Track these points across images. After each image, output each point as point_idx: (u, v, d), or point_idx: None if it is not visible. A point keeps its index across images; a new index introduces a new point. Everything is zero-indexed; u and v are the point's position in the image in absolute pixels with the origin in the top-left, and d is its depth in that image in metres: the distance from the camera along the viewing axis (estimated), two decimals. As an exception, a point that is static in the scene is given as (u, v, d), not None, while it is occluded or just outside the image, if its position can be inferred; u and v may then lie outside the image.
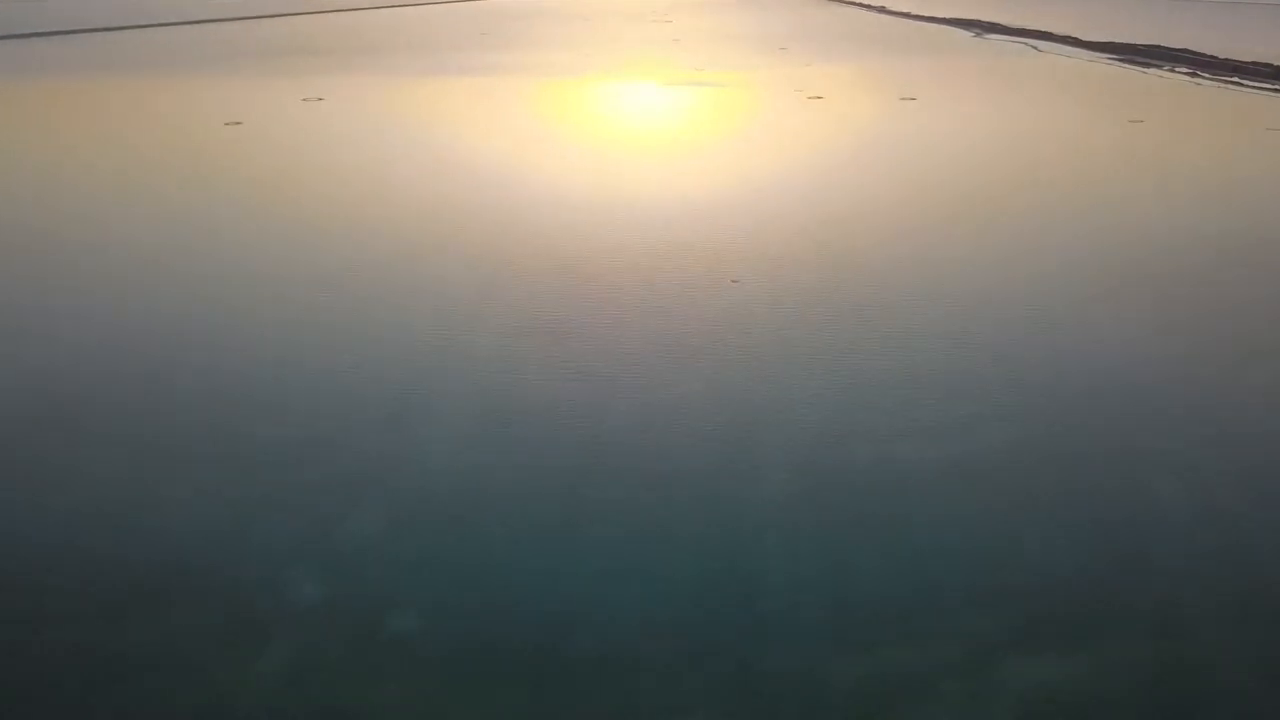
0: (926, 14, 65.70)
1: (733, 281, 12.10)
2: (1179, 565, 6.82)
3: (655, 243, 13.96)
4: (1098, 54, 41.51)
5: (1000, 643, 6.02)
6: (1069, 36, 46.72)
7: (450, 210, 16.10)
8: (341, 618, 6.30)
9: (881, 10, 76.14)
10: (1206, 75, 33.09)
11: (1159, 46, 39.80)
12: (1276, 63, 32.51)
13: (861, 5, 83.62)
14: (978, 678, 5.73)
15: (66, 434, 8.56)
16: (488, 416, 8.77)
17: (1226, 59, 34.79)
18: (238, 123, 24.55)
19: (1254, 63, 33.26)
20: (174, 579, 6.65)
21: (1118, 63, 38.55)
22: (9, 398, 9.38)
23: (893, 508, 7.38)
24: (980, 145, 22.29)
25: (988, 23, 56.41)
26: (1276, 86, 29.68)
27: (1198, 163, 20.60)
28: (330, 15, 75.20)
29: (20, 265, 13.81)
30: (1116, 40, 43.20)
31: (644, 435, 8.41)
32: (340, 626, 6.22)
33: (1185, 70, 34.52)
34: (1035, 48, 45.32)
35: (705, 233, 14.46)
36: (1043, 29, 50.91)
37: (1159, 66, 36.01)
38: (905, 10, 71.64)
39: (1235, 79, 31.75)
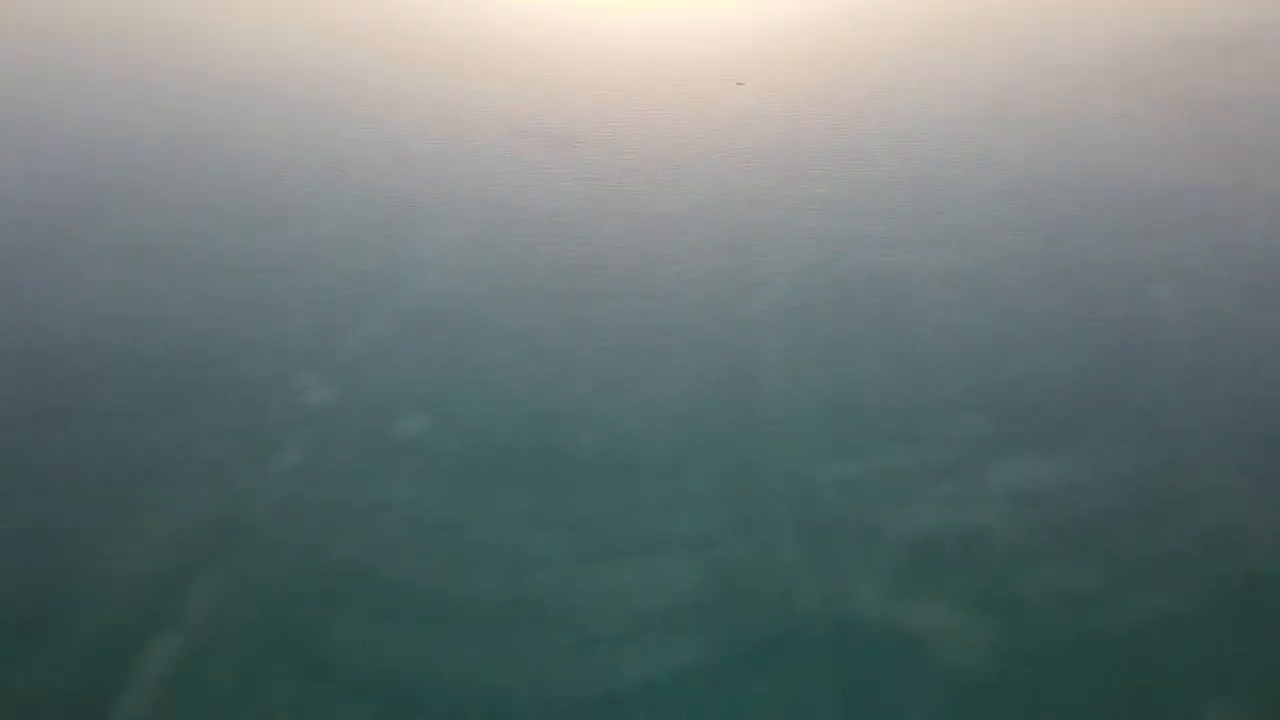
0: None
1: (738, 84, 11.80)
2: (1172, 369, 6.94)
3: (653, 50, 13.57)
4: None
5: (991, 443, 6.18)
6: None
7: (441, 22, 15.69)
8: (351, 419, 6.49)
9: None
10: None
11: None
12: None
13: None
14: (967, 476, 5.90)
15: (84, 241, 8.65)
16: (486, 226, 8.82)
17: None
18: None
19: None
20: (191, 380, 6.83)
21: None
22: (21, 205, 9.39)
23: (892, 314, 7.46)
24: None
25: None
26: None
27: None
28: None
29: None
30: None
31: (645, 243, 8.46)
32: (350, 428, 6.41)
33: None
34: None
35: (710, 36, 13.99)
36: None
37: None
38: None
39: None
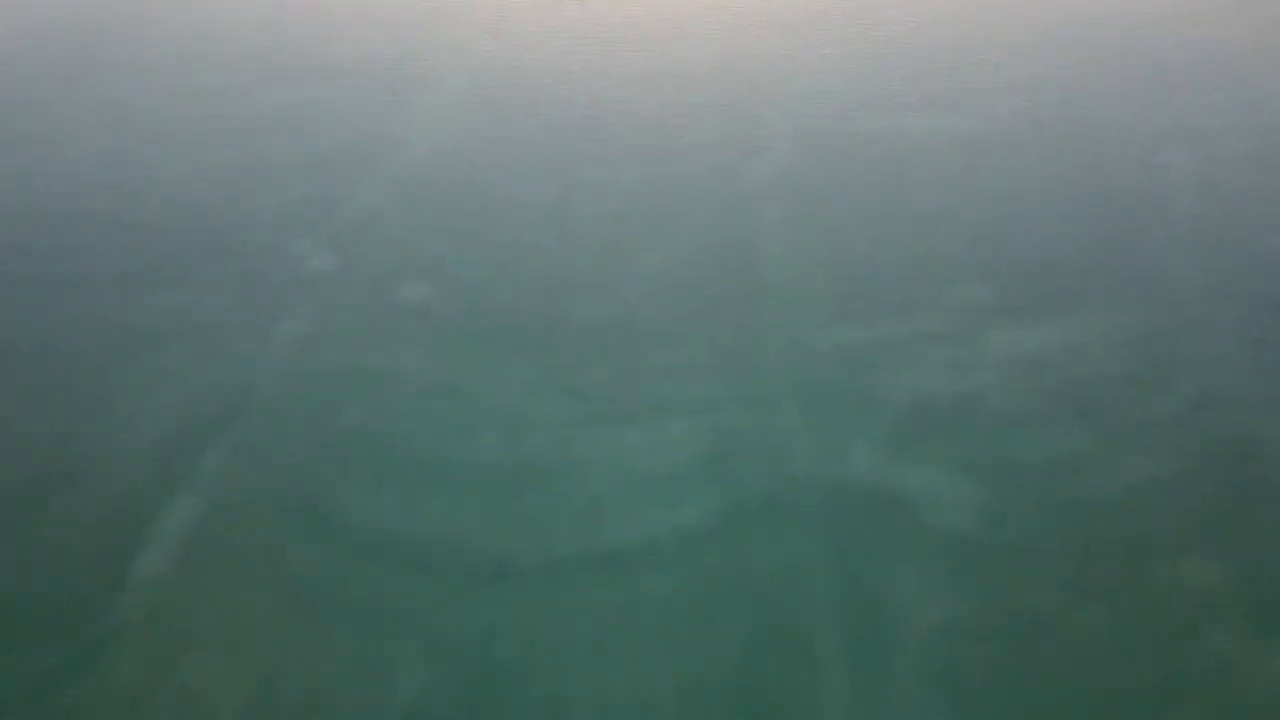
0: None
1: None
2: (1177, 237, 6.92)
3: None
4: None
5: (991, 311, 6.21)
6: None
7: None
8: (353, 287, 6.49)
9: None
10: None
11: None
12: None
13: None
14: (966, 343, 5.95)
15: (66, 111, 8.48)
16: (483, 89, 8.65)
17: None
18: None
19: None
20: (188, 248, 6.79)
21: None
22: (13, 66, 9.20)
23: (897, 180, 7.39)
24: None
25: None
26: None
27: None
28: None
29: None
30: None
31: (645, 105, 8.32)
32: (352, 295, 6.42)
33: None
34: None
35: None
36: None
37: None
38: None
39: None
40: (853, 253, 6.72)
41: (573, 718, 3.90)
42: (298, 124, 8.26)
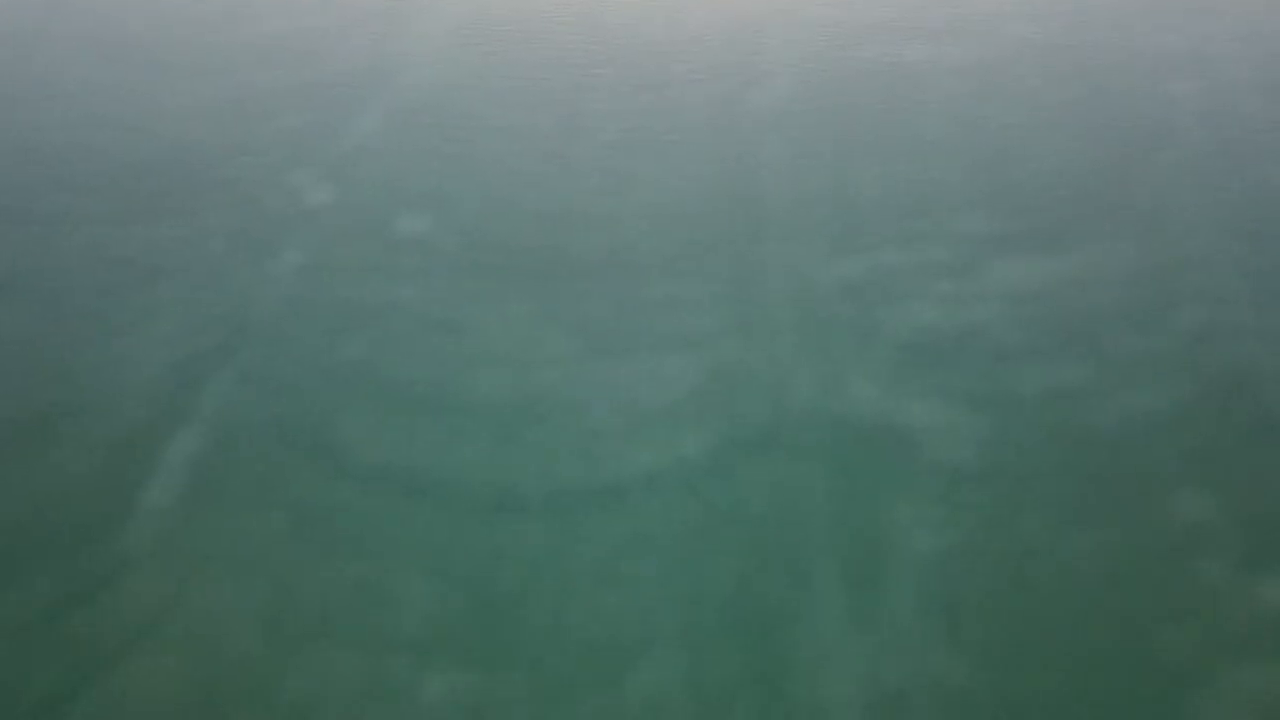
0: None
1: None
2: (1182, 169, 6.86)
3: None
4: None
5: (993, 242, 6.18)
6: None
7: None
8: (352, 219, 6.46)
9: None
10: None
11: None
12: None
13: None
14: (967, 275, 5.93)
15: (57, 43, 8.39)
16: (477, 15, 8.51)
17: None
18: None
19: None
20: (184, 181, 6.74)
21: None
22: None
23: (901, 110, 7.30)
24: None
25: None
26: None
27: None
28: None
29: None
30: None
31: (644, 33, 8.19)
32: (350, 228, 6.39)
33: None
34: None
35: None
36: None
37: None
38: None
39: None
40: (855, 184, 6.67)
41: (575, 632, 3.97)
42: (289, 54, 8.13)
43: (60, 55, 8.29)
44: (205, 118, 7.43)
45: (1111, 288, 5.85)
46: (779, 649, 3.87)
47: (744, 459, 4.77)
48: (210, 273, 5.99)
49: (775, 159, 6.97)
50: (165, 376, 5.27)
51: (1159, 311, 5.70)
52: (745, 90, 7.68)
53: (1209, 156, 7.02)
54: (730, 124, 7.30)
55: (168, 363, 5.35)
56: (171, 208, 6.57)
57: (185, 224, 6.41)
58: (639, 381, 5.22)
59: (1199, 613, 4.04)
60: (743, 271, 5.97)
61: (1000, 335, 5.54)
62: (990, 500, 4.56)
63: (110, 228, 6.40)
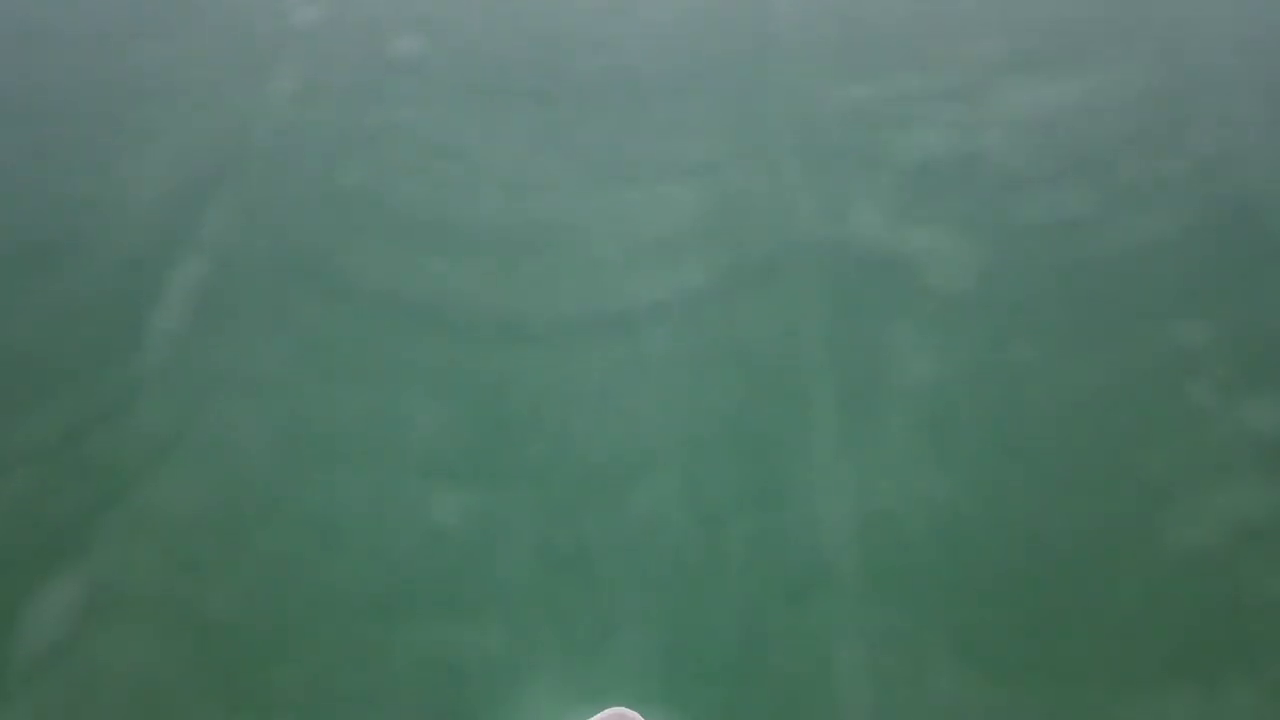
0: None
1: None
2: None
3: None
4: None
5: (1004, 68, 6.03)
6: None
7: None
8: (345, 41, 6.27)
9: None
10: None
11: None
12: None
13: None
14: (976, 100, 5.81)
15: None
16: None
17: None
18: None
19: None
20: (172, 1, 6.54)
21: None
22: None
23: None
24: None
25: None
26: None
27: None
28: None
29: None
30: None
31: None
32: (345, 50, 6.21)
33: None
34: None
35: None
36: None
37: None
38: None
39: None
40: (864, 5, 6.44)
41: (580, 452, 4.11)
42: None
43: None
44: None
45: (1122, 113, 5.74)
46: (776, 469, 4.00)
47: (746, 288, 4.79)
48: (202, 95, 5.86)
49: (782, -23, 6.69)
50: (160, 205, 5.22)
51: (1168, 137, 5.60)
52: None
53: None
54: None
55: (162, 191, 5.29)
56: (158, 29, 6.36)
57: (173, 45, 6.22)
58: (641, 210, 5.19)
59: (1183, 431, 4.15)
60: (746, 95, 5.84)
61: (1008, 161, 5.47)
62: (988, 326, 4.61)
63: (99, 48, 6.22)
